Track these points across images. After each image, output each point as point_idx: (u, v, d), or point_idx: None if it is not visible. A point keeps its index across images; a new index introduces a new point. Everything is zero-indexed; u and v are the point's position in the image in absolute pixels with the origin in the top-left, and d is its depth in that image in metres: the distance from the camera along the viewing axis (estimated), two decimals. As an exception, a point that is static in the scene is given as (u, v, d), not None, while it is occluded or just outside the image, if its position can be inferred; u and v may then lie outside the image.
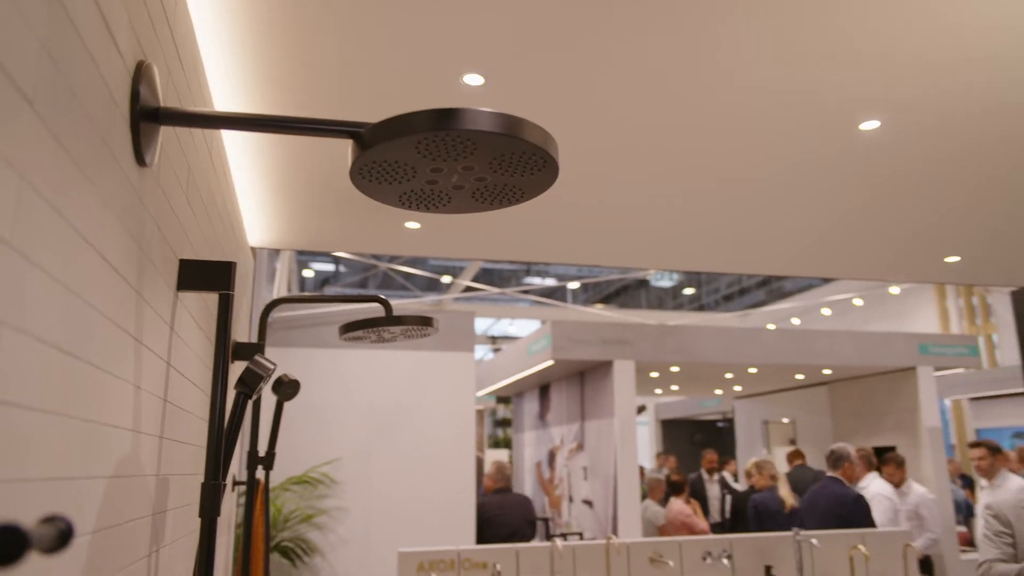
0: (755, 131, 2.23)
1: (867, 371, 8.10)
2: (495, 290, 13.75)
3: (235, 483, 2.57)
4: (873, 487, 5.76)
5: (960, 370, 9.88)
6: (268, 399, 2.39)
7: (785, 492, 6.20)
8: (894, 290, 15.09)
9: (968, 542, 8.05)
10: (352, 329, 2.21)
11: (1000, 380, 11.45)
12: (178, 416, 1.46)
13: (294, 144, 2.18)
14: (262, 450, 2.42)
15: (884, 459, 6.38)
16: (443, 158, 1.01)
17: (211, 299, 1.81)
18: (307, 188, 2.55)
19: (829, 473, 5.38)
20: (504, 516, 6.62)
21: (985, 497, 5.54)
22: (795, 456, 6.82)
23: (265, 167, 2.37)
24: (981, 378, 11.91)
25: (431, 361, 5.60)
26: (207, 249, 1.69)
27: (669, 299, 31.28)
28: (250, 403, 2.31)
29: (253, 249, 3.25)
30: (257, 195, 2.52)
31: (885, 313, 15.65)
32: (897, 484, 6.18)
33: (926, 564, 5.80)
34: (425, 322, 2.28)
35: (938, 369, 8.02)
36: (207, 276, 1.34)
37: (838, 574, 4.58)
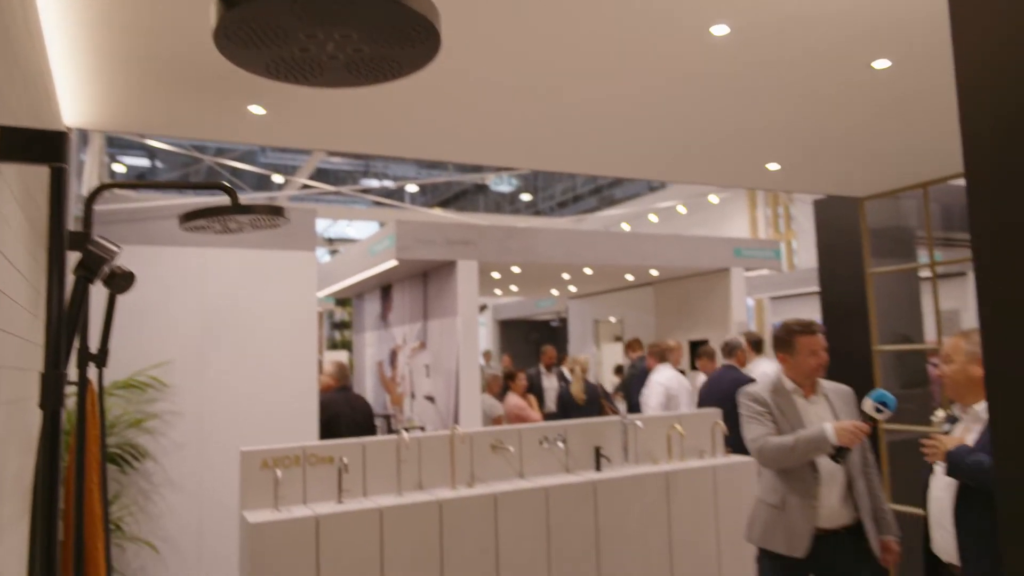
0: (607, 33, 2.27)
1: (688, 272, 8.80)
2: (333, 189, 13.27)
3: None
4: (656, 377, 6.35)
5: (765, 272, 11.00)
6: (97, 294, 2.20)
7: (576, 388, 7.07)
8: (713, 199, 16.29)
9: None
10: (195, 217, 2.08)
11: (796, 281, 12.91)
12: (2, 303, 1.32)
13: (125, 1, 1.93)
14: (93, 348, 2.25)
15: (698, 352, 7.10)
16: (319, 22, 0.95)
17: (31, 180, 1.62)
18: (135, 57, 2.28)
19: (725, 361, 6.05)
20: (354, 413, 6.67)
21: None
22: (634, 346, 7.35)
23: (85, 29, 2.09)
24: (781, 280, 13.34)
25: (269, 260, 5.38)
26: (25, 119, 1.50)
27: (507, 204, 31.74)
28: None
29: (68, 130, 2.89)
30: (74, 63, 2.23)
31: (705, 220, 16.92)
32: (709, 373, 6.96)
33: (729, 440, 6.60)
34: (275, 212, 2.19)
35: (747, 270, 8.88)
36: (35, 147, 1.19)
37: (657, 451, 5.10)
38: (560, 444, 4.79)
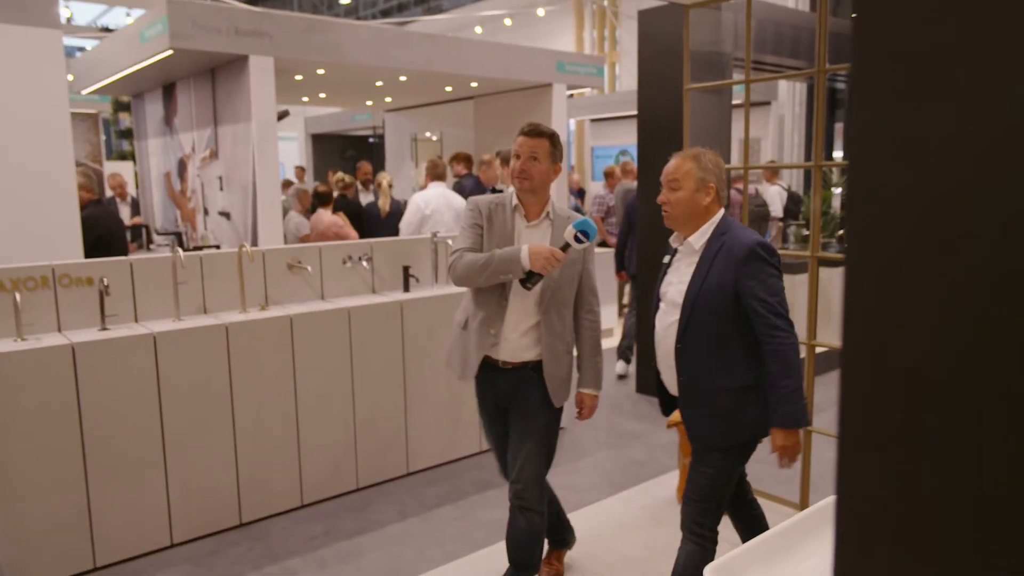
0: None
1: (510, 85, 8.38)
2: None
3: None
4: (415, 196, 5.92)
5: (587, 91, 10.84)
6: None
7: (382, 202, 7.01)
8: (540, 12, 15.61)
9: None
10: None
11: (616, 104, 12.94)
12: None
13: None
14: None
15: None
16: None
17: None
18: None
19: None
20: (121, 230, 5.85)
21: None
22: (464, 162, 6.94)
23: None
24: (601, 101, 13.32)
25: (-3, 38, 4.26)
26: None
27: (324, 8, 28.98)
28: None
29: None
30: None
31: (531, 35, 16.26)
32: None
33: None
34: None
35: (569, 89, 8.62)
36: None
37: (468, 270, 4.93)
38: (365, 264, 4.46)
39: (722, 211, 2.47)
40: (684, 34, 4.25)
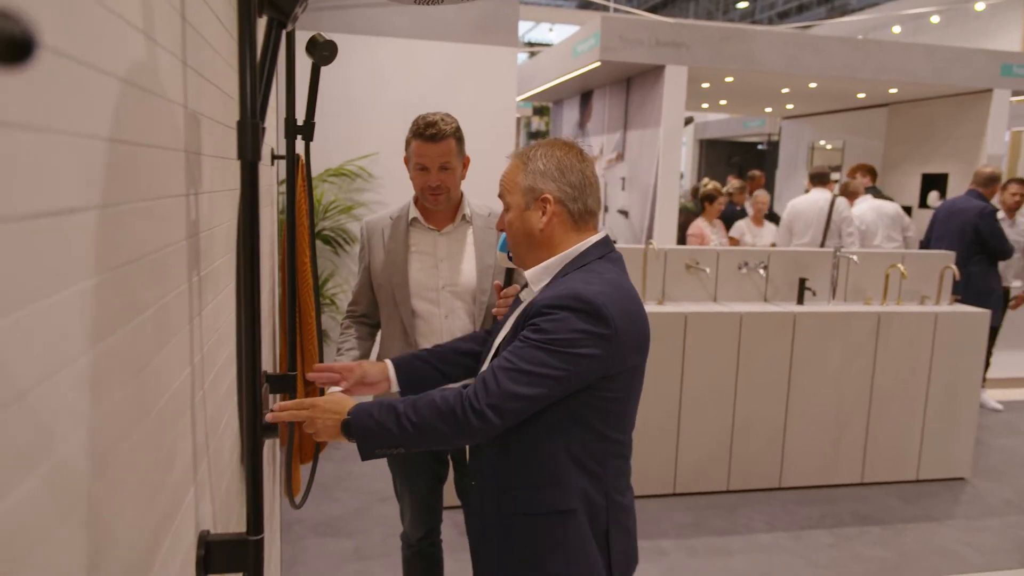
0: None
1: (938, 91, 7.52)
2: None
3: (274, 156, 2.41)
4: (863, 205, 6.12)
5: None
6: (302, 66, 2.15)
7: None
8: (979, 6, 13.61)
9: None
10: (393, -20, 1.91)
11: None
12: (203, 50, 1.25)
13: None
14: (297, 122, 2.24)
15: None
16: None
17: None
18: None
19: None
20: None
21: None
22: (868, 175, 6.61)
23: None
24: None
25: (468, 55, 5.19)
26: None
27: (719, 12, 29.04)
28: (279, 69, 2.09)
29: None
30: None
31: (964, 34, 14.28)
32: None
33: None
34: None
35: (1015, 94, 7.43)
36: None
37: (870, 290, 4.62)
38: (761, 272, 4.47)
39: (590, 241, 1.56)
40: None
